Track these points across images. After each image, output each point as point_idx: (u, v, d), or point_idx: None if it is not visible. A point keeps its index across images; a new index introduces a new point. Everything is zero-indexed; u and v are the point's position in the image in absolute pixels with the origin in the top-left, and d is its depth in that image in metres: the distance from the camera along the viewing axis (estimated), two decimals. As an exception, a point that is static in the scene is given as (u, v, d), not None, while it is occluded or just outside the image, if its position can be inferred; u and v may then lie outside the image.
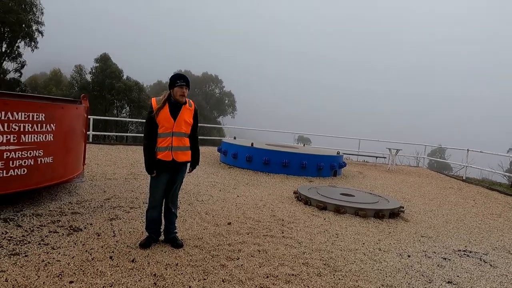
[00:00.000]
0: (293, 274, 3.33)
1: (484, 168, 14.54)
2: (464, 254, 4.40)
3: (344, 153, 12.45)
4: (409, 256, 4.13)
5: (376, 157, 14.55)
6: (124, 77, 31.36)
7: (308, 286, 3.13)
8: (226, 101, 51.40)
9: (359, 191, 7.32)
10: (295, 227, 4.80)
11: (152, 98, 3.66)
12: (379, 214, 5.67)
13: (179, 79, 3.53)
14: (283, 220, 5.11)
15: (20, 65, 27.72)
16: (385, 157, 14.62)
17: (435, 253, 4.33)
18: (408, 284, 3.40)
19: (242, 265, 3.43)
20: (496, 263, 4.19)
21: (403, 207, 6.22)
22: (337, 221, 5.29)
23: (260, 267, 3.43)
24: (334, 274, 3.42)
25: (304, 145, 16.62)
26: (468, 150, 12.77)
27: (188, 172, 3.87)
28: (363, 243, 4.42)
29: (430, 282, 3.48)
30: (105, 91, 29.50)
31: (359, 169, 12.48)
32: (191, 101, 3.73)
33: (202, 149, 13.22)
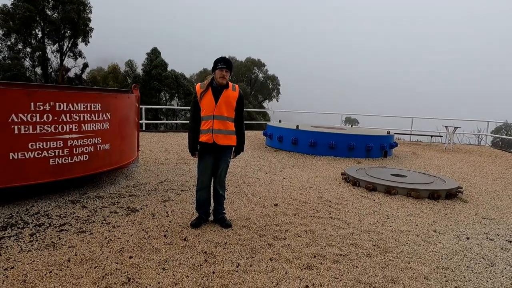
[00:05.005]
0: (341, 254, 3.29)
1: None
2: (533, 237, 4.03)
3: (395, 133, 11.86)
4: (468, 238, 3.88)
5: (431, 136, 13.67)
6: (169, 69, 32.61)
7: (357, 266, 3.08)
8: (270, 85, 51.14)
9: (412, 172, 6.96)
10: (343, 209, 4.72)
11: (197, 84, 3.76)
12: (434, 195, 5.36)
13: (220, 62, 3.57)
14: (330, 201, 5.04)
15: (82, 64, 30.24)
16: (441, 136, 13.70)
17: (498, 235, 4.02)
18: (467, 267, 3.20)
19: (289, 244, 3.46)
20: None
21: (461, 188, 5.82)
22: (387, 202, 5.10)
23: (307, 247, 3.44)
24: (384, 255, 3.33)
25: (351, 126, 16.08)
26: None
27: (232, 158, 3.91)
28: (416, 225, 4.23)
29: (492, 266, 3.24)
30: (152, 80, 30.94)
31: (412, 149, 11.83)
32: (236, 85, 3.76)
33: (248, 133, 13.38)
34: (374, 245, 3.55)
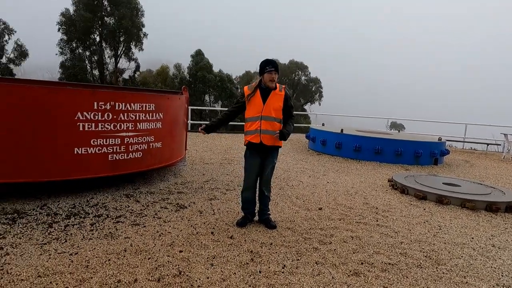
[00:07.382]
0: (389, 263, 3.19)
1: None
2: None
3: (447, 140, 11.21)
4: (532, 256, 3.57)
5: (488, 144, 12.74)
6: (216, 70, 33.39)
7: (407, 277, 2.97)
8: (313, 88, 50.50)
9: (466, 181, 6.54)
10: (390, 216, 4.56)
11: (245, 86, 3.86)
12: (492, 207, 5.00)
13: (268, 65, 3.62)
14: (377, 208, 4.89)
15: (135, 66, 31.99)
16: (499, 144, 12.71)
17: None
18: (531, 286, 2.95)
19: (335, 249, 3.42)
20: None
21: (524, 201, 5.36)
22: (439, 212, 4.84)
23: (353, 253, 3.37)
24: (437, 268, 3.17)
25: (399, 131, 15.44)
26: None
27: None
28: (472, 238, 3.97)
29: (561, 288, 2.96)
30: (197, 82, 31.87)
31: (465, 157, 11.10)
32: (283, 86, 3.81)
33: (290, 136, 13.33)
34: (425, 256, 3.39)
